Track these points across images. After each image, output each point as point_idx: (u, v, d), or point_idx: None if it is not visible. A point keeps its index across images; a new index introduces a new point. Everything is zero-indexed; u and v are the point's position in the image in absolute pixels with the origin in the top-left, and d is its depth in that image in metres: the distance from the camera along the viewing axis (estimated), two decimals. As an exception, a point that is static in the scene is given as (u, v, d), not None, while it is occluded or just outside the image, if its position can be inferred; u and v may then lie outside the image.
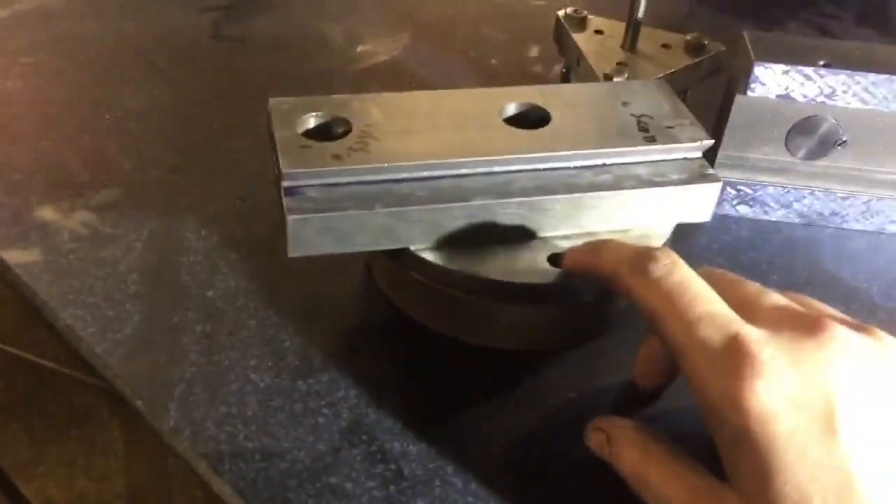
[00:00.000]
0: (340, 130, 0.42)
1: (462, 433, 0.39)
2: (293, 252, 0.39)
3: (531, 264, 0.40)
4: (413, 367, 0.42)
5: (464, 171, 0.41)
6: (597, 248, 0.38)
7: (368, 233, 0.39)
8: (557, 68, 0.66)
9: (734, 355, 0.30)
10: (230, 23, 0.70)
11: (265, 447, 0.38)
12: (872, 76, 0.46)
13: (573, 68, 0.62)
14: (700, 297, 0.32)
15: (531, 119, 0.45)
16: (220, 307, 0.44)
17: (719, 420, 0.31)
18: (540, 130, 0.43)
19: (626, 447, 0.35)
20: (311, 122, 0.42)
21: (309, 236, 0.38)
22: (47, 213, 0.48)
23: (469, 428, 0.39)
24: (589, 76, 0.58)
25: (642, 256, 0.34)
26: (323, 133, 0.42)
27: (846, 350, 0.31)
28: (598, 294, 0.41)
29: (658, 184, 0.42)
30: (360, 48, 0.68)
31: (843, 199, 0.51)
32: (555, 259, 0.40)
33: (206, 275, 0.46)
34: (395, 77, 0.65)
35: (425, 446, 0.38)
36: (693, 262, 0.48)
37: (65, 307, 0.43)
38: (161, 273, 0.46)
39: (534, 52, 0.69)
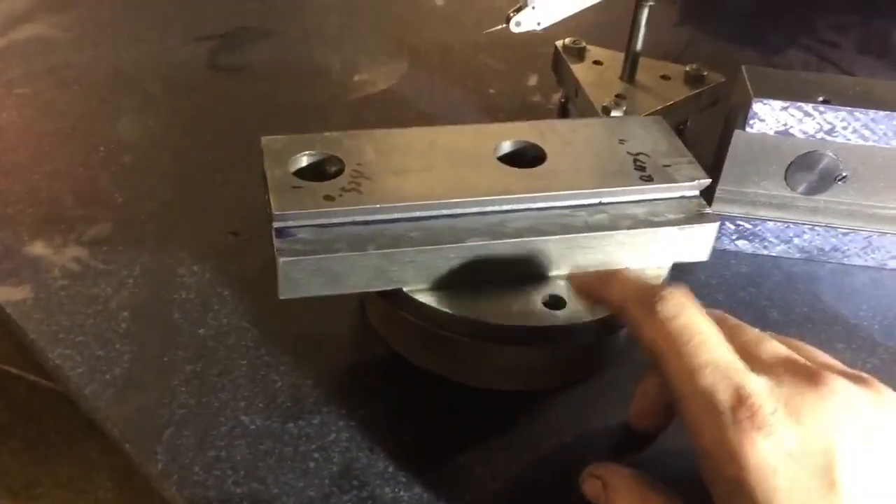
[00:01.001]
0: (333, 169, 0.41)
1: (455, 478, 0.38)
2: (285, 294, 0.38)
3: (526, 306, 0.40)
4: (406, 408, 0.41)
5: (457, 211, 0.40)
6: (606, 278, 0.38)
7: (361, 274, 0.38)
8: (556, 98, 0.66)
9: (736, 407, 0.30)
10: (226, 52, 0.69)
11: (254, 493, 0.37)
12: (872, 113, 0.46)
13: (571, 99, 0.62)
14: (706, 343, 0.32)
15: (527, 157, 0.44)
16: (210, 346, 0.43)
17: (716, 470, 0.30)
18: (535, 169, 0.43)
19: (622, 496, 0.35)
20: (304, 160, 0.42)
21: (301, 278, 0.38)
22: (39, 249, 0.48)
23: (462, 472, 0.39)
24: (587, 108, 0.58)
25: (651, 294, 0.34)
26: (316, 172, 0.41)
27: (846, 403, 0.30)
28: (593, 336, 0.40)
29: (654, 224, 0.41)
30: (357, 77, 0.68)
31: (844, 234, 0.51)
32: (550, 301, 0.40)
33: (198, 312, 0.45)
34: (393, 107, 0.64)
35: (418, 492, 0.38)
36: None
37: (54, 346, 0.42)
38: (152, 311, 0.45)
39: (532, 80, 0.69)
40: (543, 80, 0.68)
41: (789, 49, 0.77)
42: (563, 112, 0.64)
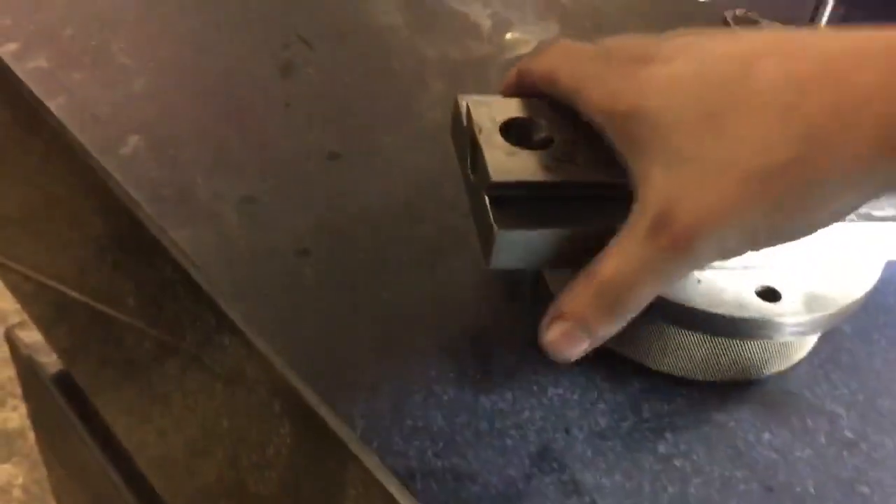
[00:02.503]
0: (541, 136, 0.40)
1: (656, 468, 0.37)
2: (496, 264, 0.37)
3: (737, 294, 0.38)
4: (598, 390, 0.40)
5: None
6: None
7: (575, 250, 0.37)
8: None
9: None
10: (375, 1, 0.68)
11: (455, 467, 0.36)
12: None
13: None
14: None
15: None
16: (393, 312, 0.42)
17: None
18: None
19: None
20: (510, 125, 0.40)
21: (514, 249, 0.36)
22: (211, 194, 0.47)
23: (662, 463, 0.37)
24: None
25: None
26: (521, 138, 0.40)
27: None
28: (805, 329, 0.38)
29: (873, 217, 0.39)
30: (509, 35, 0.66)
31: None
32: (763, 292, 0.38)
33: (377, 273, 0.44)
34: (547, 69, 0.62)
35: (619, 480, 0.37)
36: (875, 295, 0.45)
37: (240, 299, 0.42)
38: (332, 268, 0.44)
39: (690, 51, 0.66)
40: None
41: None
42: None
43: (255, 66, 0.58)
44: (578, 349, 0.36)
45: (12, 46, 0.55)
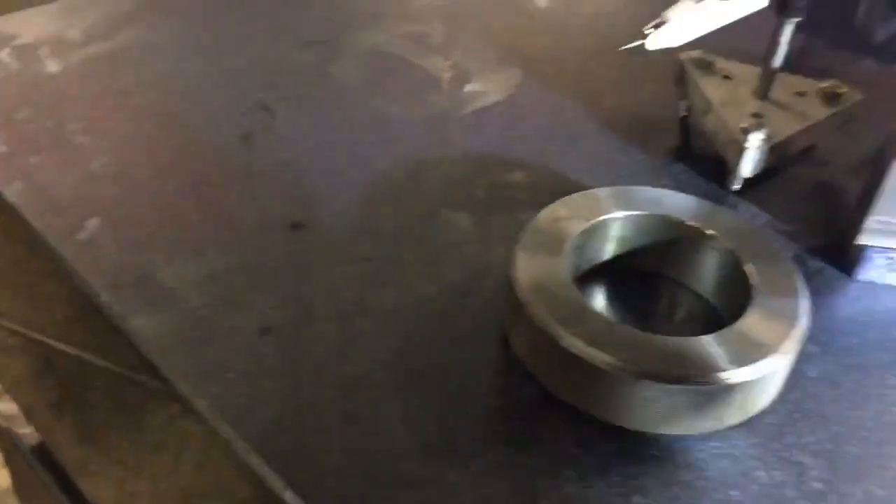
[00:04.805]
0: None
1: (625, 534, 0.37)
2: None
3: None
4: (565, 455, 0.40)
5: None
6: None
7: None
8: (684, 105, 0.62)
9: None
10: (336, 59, 0.68)
11: (423, 548, 0.36)
12: None
13: (697, 116, 0.60)
14: None
15: None
16: (358, 384, 0.42)
17: None
18: None
19: None
20: None
21: None
22: (172, 276, 0.47)
23: (632, 529, 0.37)
24: (720, 128, 0.56)
25: None
26: None
27: None
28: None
29: None
30: (468, 87, 0.66)
31: None
32: None
33: (340, 346, 0.44)
34: (510, 120, 0.62)
35: (589, 551, 0.36)
36: (839, 337, 0.46)
37: (205, 384, 0.41)
38: (295, 345, 0.44)
39: (647, 91, 0.67)
40: (660, 92, 0.65)
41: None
42: (684, 127, 0.62)
43: (216, 135, 0.58)
44: None
45: (-31, 132, 0.55)
